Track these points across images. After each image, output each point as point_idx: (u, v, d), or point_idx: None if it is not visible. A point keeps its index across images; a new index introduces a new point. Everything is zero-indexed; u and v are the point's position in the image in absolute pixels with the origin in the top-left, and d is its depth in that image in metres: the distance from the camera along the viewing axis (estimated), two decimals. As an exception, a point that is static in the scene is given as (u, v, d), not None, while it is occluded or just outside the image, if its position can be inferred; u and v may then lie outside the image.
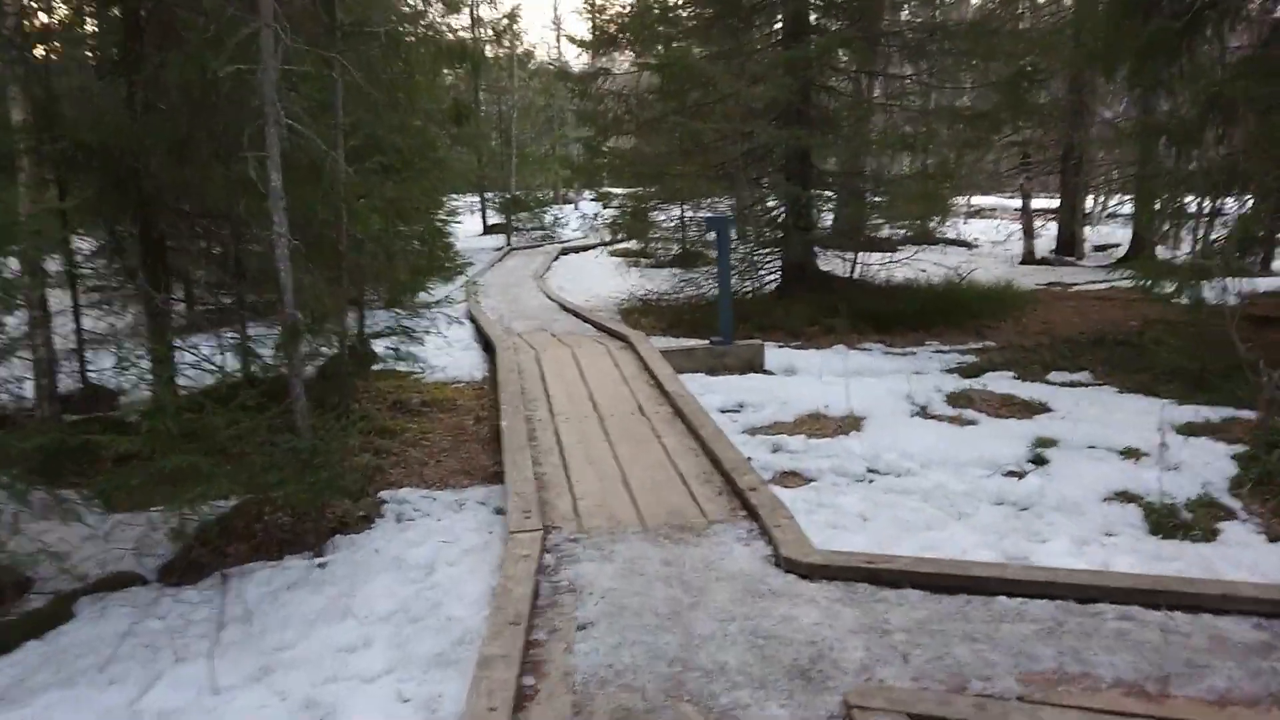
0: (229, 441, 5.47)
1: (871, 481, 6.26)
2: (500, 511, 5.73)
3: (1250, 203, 7.99)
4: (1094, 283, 16.93)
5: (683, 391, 7.40)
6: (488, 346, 10.39)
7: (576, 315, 12.31)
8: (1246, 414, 7.15)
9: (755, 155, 13.46)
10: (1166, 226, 9.65)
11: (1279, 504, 5.60)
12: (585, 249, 23.67)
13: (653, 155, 14.22)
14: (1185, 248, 11.98)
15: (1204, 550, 5.16)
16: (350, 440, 6.92)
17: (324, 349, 7.92)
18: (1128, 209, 19.65)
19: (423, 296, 11.56)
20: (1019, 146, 19.62)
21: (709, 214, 13.44)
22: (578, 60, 36.18)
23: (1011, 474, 6.28)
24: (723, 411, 7.79)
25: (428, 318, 9.10)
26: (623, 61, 17.02)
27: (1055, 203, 23.62)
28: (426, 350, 9.53)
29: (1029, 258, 20.77)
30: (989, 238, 26.00)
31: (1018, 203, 27.43)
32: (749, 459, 6.45)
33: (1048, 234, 23.22)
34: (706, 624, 3.90)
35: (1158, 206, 9.66)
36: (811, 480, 6.29)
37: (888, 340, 11.62)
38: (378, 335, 9.14)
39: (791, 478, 6.35)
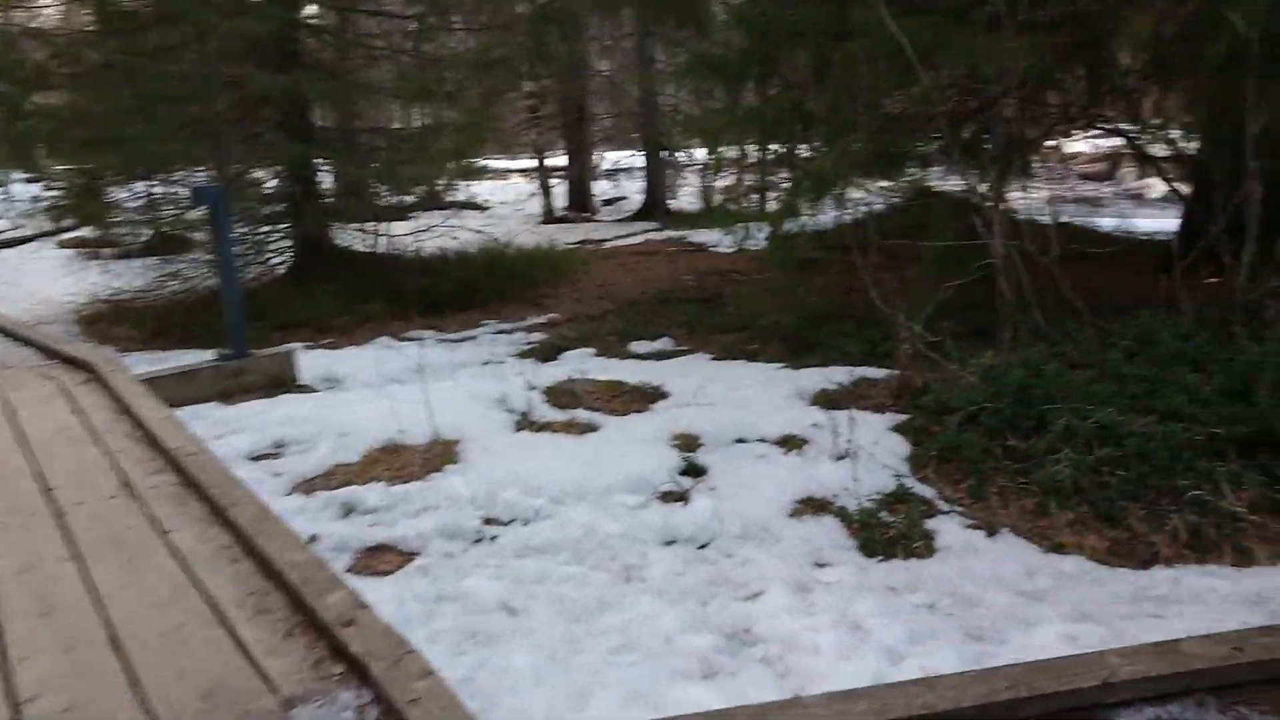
0: None
1: (495, 539, 4.47)
2: None
3: (830, 144, 7.35)
4: (622, 237, 16.51)
5: (192, 446, 4.98)
6: None
7: (10, 335, 8.87)
8: (874, 372, 6.43)
9: (244, 110, 10.77)
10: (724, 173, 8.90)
11: (975, 484, 4.75)
12: (21, 242, 18.73)
13: (103, 114, 10.83)
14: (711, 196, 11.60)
15: (936, 570, 4.08)
16: None
17: None
18: (640, 161, 19.74)
19: None
20: (532, 98, 18.68)
21: (196, 185, 10.53)
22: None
23: (670, 496, 4.83)
24: (254, 459, 5.50)
25: None
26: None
27: (561, 160, 23.22)
28: None
29: (549, 216, 20.06)
30: (498, 199, 25.19)
31: (514, 163, 26.89)
32: (314, 538, 4.36)
33: (557, 192, 22.79)
34: None
35: (720, 151, 8.86)
36: (413, 554, 4.34)
37: (439, 325, 9.81)
38: None
39: (383, 556, 4.35)
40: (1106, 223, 12.06)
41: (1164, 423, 4.68)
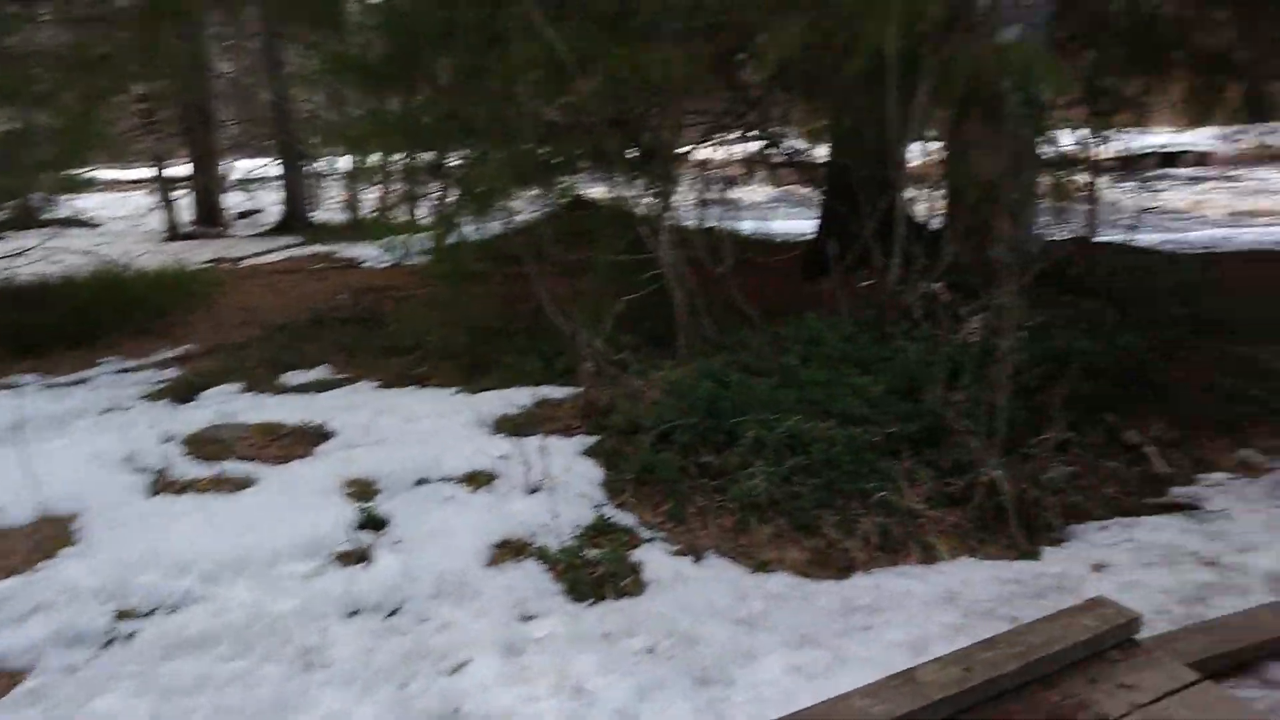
0: None
1: (133, 638, 3.67)
2: None
3: (486, 153, 7.00)
4: (261, 253, 15.14)
5: None
6: None
7: None
8: (556, 391, 6.13)
9: None
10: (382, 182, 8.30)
11: (674, 506, 4.58)
12: None
13: None
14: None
15: (649, 607, 3.84)
16: None
17: None
18: (276, 171, 18.28)
19: None
20: (146, 101, 16.67)
21: None
22: None
23: (349, 557, 4.21)
24: None
25: None
26: None
27: (185, 170, 21.01)
28: None
29: (174, 233, 18.05)
30: (110, 214, 22.43)
31: (128, 173, 24.12)
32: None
33: (181, 205, 20.59)
34: None
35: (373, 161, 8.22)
36: (21, 674, 3.44)
37: (44, 367, 8.27)
38: None
39: (-22, 681, 3.42)
40: (747, 227, 12.65)
41: (843, 426, 4.78)
